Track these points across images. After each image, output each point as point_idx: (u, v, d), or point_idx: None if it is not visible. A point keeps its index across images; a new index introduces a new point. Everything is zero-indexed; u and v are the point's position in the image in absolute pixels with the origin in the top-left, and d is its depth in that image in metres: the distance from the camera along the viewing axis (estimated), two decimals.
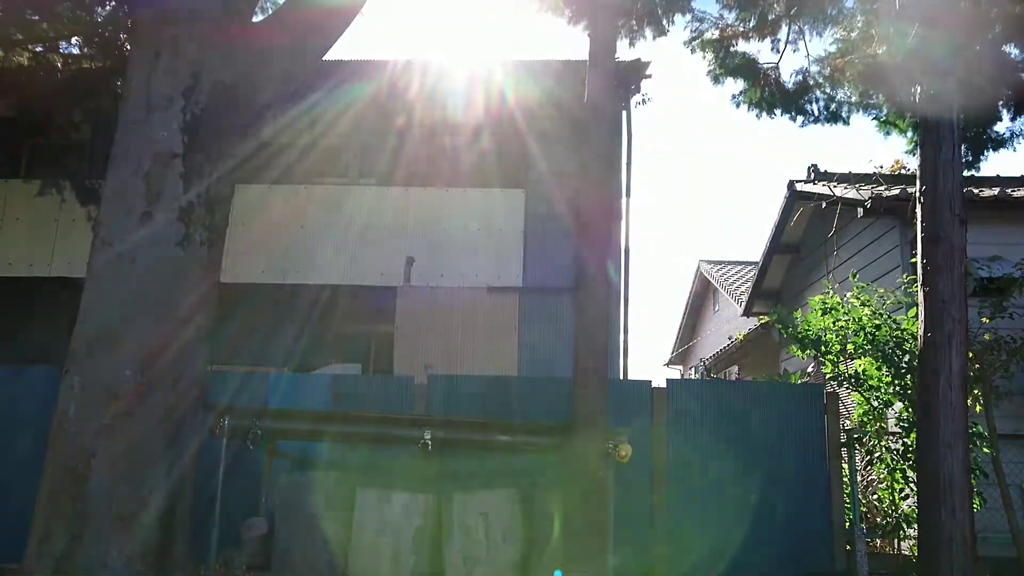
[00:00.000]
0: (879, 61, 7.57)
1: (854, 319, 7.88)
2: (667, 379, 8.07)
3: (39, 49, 9.27)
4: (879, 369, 7.68)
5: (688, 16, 8.78)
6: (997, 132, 8.15)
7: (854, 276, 8.40)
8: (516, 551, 6.02)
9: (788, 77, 8.80)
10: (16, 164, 11.36)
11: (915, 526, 6.79)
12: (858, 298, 8.01)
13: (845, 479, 7.29)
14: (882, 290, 8.15)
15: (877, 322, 7.79)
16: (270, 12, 7.84)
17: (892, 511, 7.60)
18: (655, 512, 7.10)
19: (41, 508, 4.40)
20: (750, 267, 18.39)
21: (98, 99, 8.81)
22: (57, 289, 9.85)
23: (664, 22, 8.58)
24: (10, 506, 6.82)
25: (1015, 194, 9.82)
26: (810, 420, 7.33)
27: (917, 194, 6.63)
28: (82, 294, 4.82)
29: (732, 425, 7.28)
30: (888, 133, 8.45)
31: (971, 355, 6.91)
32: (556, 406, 6.58)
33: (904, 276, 8.44)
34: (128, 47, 7.25)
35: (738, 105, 8.92)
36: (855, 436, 7.55)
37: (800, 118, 8.80)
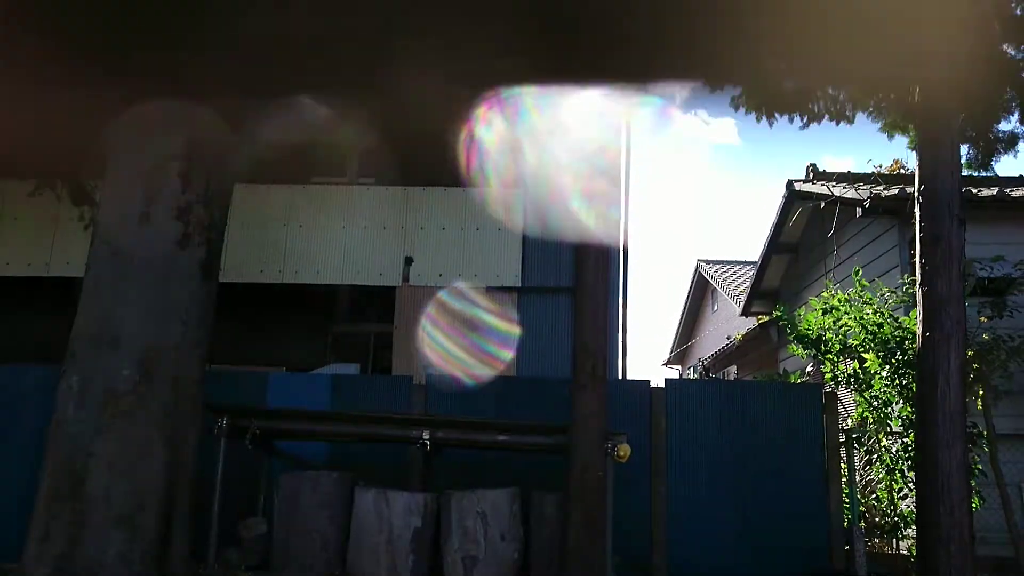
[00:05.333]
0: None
1: (856, 316, 7.88)
2: (666, 379, 8.07)
3: None
4: (881, 367, 7.68)
5: None
6: (1005, 131, 8.07)
7: (857, 273, 8.38)
8: (515, 550, 6.02)
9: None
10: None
11: (914, 526, 6.79)
12: (860, 295, 8.01)
13: (844, 479, 7.29)
14: (886, 289, 8.14)
15: (880, 320, 7.79)
16: None
17: (891, 511, 7.60)
18: (654, 511, 7.10)
19: (40, 508, 4.40)
20: (748, 267, 18.38)
21: None
22: (56, 289, 9.84)
23: None
24: (10, 505, 6.82)
25: (1014, 193, 9.82)
26: (809, 420, 7.33)
27: (916, 194, 6.62)
28: (80, 293, 4.82)
29: (731, 425, 7.28)
30: (892, 136, 8.40)
31: (970, 354, 6.91)
32: (555, 406, 6.57)
33: (904, 276, 8.45)
34: None
35: (736, 108, 8.85)
36: (854, 436, 7.55)
37: (800, 119, 8.74)
